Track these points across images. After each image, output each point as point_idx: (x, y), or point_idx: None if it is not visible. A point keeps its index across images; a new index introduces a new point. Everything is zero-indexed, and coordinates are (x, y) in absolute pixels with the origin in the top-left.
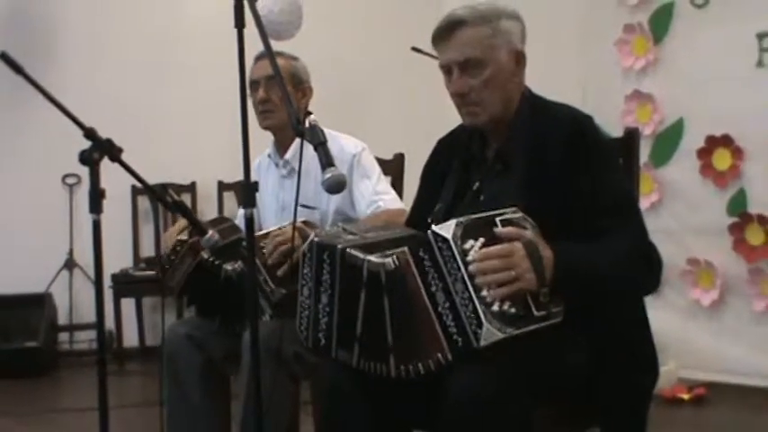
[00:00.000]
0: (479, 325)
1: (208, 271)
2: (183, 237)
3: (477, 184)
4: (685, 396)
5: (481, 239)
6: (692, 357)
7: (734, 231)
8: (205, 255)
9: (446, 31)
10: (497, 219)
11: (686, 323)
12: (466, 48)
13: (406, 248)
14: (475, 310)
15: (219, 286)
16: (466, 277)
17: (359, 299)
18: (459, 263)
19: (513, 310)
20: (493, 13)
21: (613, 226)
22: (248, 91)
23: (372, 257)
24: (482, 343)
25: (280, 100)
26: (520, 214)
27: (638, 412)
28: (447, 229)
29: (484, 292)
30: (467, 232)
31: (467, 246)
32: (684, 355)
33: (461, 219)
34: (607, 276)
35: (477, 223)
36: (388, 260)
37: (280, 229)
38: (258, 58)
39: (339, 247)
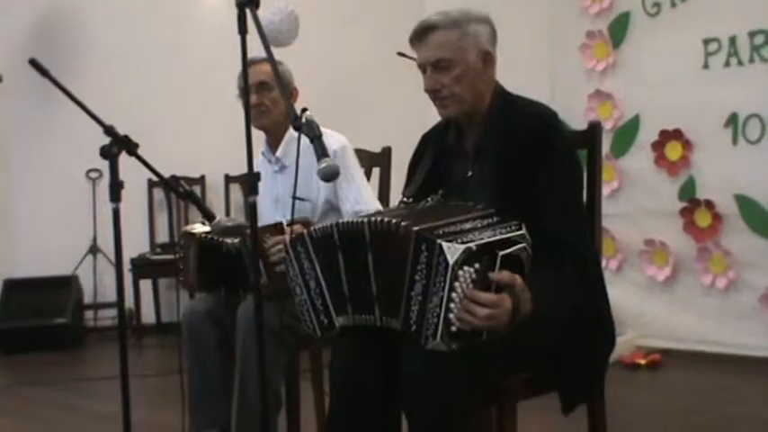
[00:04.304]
0: (434, 335)
1: (212, 249)
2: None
3: (465, 171)
4: (642, 361)
5: (477, 265)
6: (648, 327)
7: (684, 215)
8: (200, 232)
9: (420, 35)
10: (500, 252)
11: (643, 297)
12: (437, 49)
13: (413, 227)
14: (436, 324)
15: (223, 259)
16: (444, 297)
17: (338, 263)
18: (447, 284)
19: (467, 330)
20: (463, 18)
21: (561, 227)
22: (239, 93)
23: (340, 220)
24: (428, 347)
25: (271, 102)
26: (523, 244)
27: (596, 379)
28: (453, 252)
29: (451, 315)
30: (468, 258)
31: (460, 272)
32: (642, 326)
33: (471, 244)
34: (560, 314)
35: (481, 250)
36: (375, 218)
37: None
38: (248, 65)
39: (305, 231)
